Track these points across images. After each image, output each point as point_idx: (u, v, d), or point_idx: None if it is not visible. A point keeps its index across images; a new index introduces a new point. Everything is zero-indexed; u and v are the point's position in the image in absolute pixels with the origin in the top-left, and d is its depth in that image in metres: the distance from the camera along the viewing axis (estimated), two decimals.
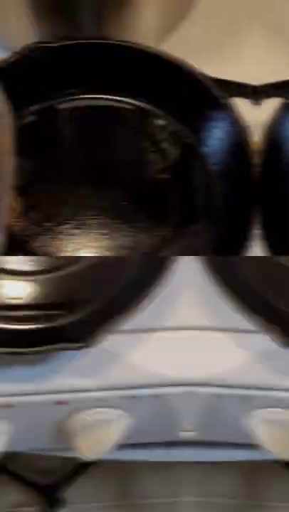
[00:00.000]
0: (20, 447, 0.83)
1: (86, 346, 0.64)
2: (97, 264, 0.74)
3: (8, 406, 0.71)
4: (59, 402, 0.71)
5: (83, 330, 0.69)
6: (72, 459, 0.92)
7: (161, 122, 0.80)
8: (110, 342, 0.70)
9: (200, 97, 0.76)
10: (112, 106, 0.81)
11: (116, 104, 0.81)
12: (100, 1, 0.77)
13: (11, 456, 1.63)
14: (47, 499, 1.63)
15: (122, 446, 0.77)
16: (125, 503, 1.70)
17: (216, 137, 0.78)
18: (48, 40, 0.75)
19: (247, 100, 0.75)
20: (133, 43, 0.76)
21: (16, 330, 0.70)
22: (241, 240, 0.69)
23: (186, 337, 0.73)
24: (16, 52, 0.73)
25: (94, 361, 0.71)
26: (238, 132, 0.74)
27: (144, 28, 0.83)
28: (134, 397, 0.72)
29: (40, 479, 1.67)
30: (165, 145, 0.80)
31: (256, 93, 0.75)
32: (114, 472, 1.71)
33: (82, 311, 0.72)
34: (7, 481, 1.65)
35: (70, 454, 0.97)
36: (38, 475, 1.69)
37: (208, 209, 0.77)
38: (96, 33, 0.79)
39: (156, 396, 0.72)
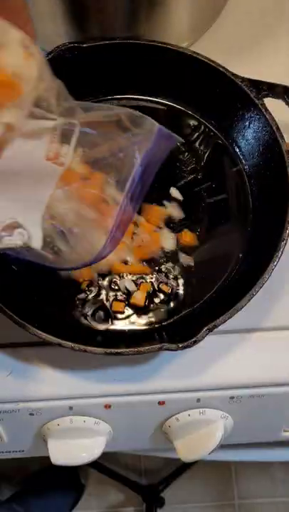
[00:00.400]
0: (120, 447, 0.84)
1: (187, 346, 0.64)
2: (197, 265, 0.74)
3: (108, 406, 0.72)
4: (160, 403, 0.71)
5: (184, 330, 0.69)
6: (173, 460, 0.92)
7: (193, 122, 0.80)
8: (211, 342, 0.70)
9: (232, 97, 0.75)
10: (144, 106, 0.80)
11: (148, 105, 0.80)
12: (132, 1, 0.77)
13: (111, 456, 1.66)
14: (147, 499, 1.65)
15: (222, 446, 0.76)
16: (224, 503, 1.70)
17: (248, 137, 0.77)
18: (79, 40, 0.76)
19: (279, 100, 0.74)
20: (165, 44, 0.76)
21: (117, 330, 0.71)
22: (274, 240, 0.68)
23: (286, 337, 0.73)
24: (48, 53, 0.74)
25: (194, 361, 0.71)
26: (270, 132, 0.73)
27: (176, 29, 0.83)
28: (234, 397, 0.72)
29: (140, 479, 1.69)
30: (197, 145, 0.80)
31: (288, 93, 0.74)
32: (215, 472, 1.72)
33: (183, 311, 0.73)
34: (107, 481, 1.68)
35: (170, 455, 0.97)
36: (138, 475, 1.71)
37: (239, 209, 0.77)
38: (128, 33, 0.79)
39: (256, 396, 0.72)
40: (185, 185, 0.78)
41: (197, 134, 0.80)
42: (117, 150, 0.60)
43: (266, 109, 0.73)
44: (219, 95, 0.76)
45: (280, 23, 0.90)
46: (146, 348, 0.65)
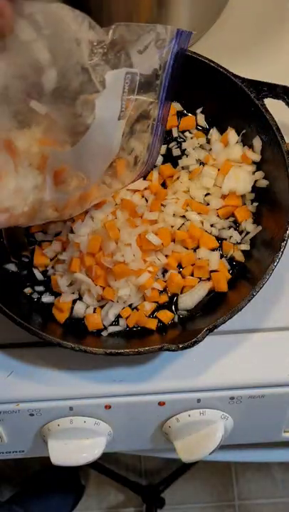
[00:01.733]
0: (120, 448, 0.84)
1: (187, 347, 0.64)
2: None
3: (108, 407, 0.72)
4: (160, 403, 0.71)
5: (184, 331, 0.70)
6: (173, 461, 0.92)
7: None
8: (211, 343, 0.70)
9: (232, 97, 0.74)
10: None
11: None
12: (132, 3, 0.76)
13: (111, 456, 1.66)
14: (147, 499, 1.65)
15: (223, 447, 0.76)
16: (224, 504, 1.70)
17: (248, 137, 0.77)
18: None
19: (279, 101, 0.74)
20: None
21: (116, 331, 0.71)
22: (274, 241, 0.69)
23: (286, 338, 0.73)
24: None
25: (195, 362, 0.71)
26: (270, 132, 0.73)
27: None
28: (234, 398, 0.72)
29: (140, 480, 1.69)
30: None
31: (288, 93, 0.74)
32: (214, 473, 1.72)
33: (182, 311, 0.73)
34: (107, 481, 1.68)
35: (170, 456, 0.97)
36: (138, 476, 1.71)
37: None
38: None
39: (257, 397, 0.72)
40: None
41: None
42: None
43: (266, 110, 0.73)
44: (219, 96, 0.76)
45: (281, 23, 0.91)
46: (147, 348, 0.65)
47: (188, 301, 0.71)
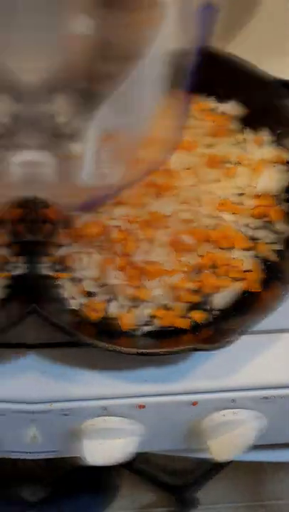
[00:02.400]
0: (152, 448, 0.84)
1: (220, 347, 0.64)
2: None
3: (141, 406, 0.72)
4: (194, 403, 0.71)
5: (217, 330, 0.70)
6: (205, 460, 0.92)
7: None
8: (243, 343, 0.70)
9: (267, 97, 0.74)
10: None
11: None
12: None
13: (143, 457, 1.66)
14: (179, 500, 1.64)
15: (256, 446, 0.75)
16: (256, 504, 1.69)
17: (283, 137, 0.77)
18: None
19: None
20: None
21: (149, 331, 0.71)
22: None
23: None
24: None
25: (227, 362, 0.71)
26: None
27: None
28: (268, 397, 0.71)
29: (172, 480, 1.69)
30: None
31: None
32: (247, 473, 1.71)
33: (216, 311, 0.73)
34: (139, 481, 1.67)
35: (202, 456, 0.97)
36: (171, 476, 1.71)
37: None
38: None
39: None
40: None
41: None
42: None
43: None
44: (254, 96, 0.76)
45: None
46: (179, 348, 0.65)
47: (222, 300, 0.71)
